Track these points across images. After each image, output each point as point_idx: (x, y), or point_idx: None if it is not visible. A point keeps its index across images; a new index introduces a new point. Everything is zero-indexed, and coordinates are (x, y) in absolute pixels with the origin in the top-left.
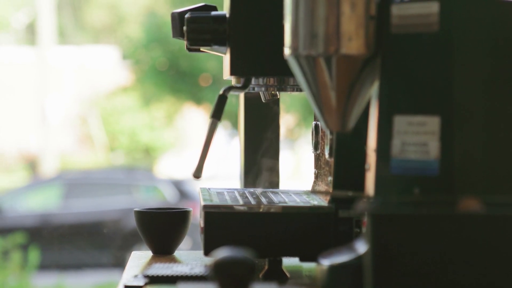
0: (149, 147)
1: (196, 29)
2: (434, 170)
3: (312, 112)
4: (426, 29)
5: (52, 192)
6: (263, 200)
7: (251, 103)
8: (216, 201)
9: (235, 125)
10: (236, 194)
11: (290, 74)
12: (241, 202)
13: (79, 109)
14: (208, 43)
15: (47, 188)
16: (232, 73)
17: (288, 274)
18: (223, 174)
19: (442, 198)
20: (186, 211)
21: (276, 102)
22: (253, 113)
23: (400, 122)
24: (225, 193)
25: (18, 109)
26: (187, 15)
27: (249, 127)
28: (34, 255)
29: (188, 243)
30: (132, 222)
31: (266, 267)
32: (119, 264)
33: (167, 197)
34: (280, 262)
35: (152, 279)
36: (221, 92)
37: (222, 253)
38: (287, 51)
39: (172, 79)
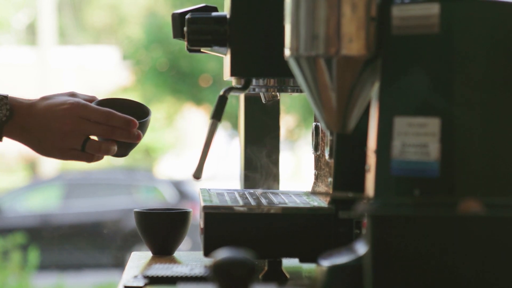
0: (149, 148)
1: (196, 30)
2: (435, 172)
3: (312, 113)
4: (427, 31)
5: (52, 193)
6: (263, 201)
7: (251, 104)
8: (216, 202)
9: (235, 126)
10: (236, 195)
11: (290, 75)
12: (241, 203)
13: None
14: (209, 44)
15: (47, 188)
16: (233, 74)
17: (288, 275)
18: (223, 174)
19: (442, 199)
20: (186, 211)
21: (276, 103)
22: (253, 114)
23: (401, 123)
24: (225, 194)
25: None
26: (187, 16)
27: (249, 128)
28: (34, 255)
29: (188, 243)
30: (132, 223)
31: (266, 268)
32: (119, 264)
33: (167, 198)
34: (280, 263)
35: (152, 280)
36: (221, 93)
37: (222, 254)
38: (287, 52)
39: (172, 80)
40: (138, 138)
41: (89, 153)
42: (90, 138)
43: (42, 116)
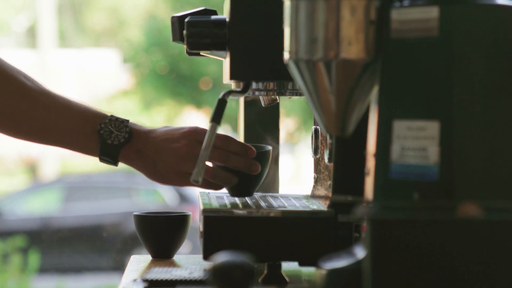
0: None
1: (196, 33)
2: (434, 175)
3: (312, 116)
4: (426, 34)
5: (52, 196)
6: (263, 204)
7: (251, 107)
8: (215, 205)
9: (235, 129)
10: (236, 198)
11: (289, 78)
12: (240, 206)
13: None
14: (208, 47)
15: (47, 191)
16: (232, 77)
17: (287, 279)
18: None
19: (441, 203)
20: (186, 215)
21: (276, 106)
22: (253, 117)
23: (400, 127)
24: (225, 197)
25: None
26: (187, 19)
27: (249, 131)
28: (34, 259)
29: (188, 246)
30: (132, 226)
31: (265, 271)
32: (119, 267)
33: (167, 201)
34: (279, 266)
35: (151, 283)
36: (220, 96)
37: (221, 257)
38: (286, 55)
39: (172, 83)
40: (255, 169)
41: (205, 180)
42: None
43: (159, 138)
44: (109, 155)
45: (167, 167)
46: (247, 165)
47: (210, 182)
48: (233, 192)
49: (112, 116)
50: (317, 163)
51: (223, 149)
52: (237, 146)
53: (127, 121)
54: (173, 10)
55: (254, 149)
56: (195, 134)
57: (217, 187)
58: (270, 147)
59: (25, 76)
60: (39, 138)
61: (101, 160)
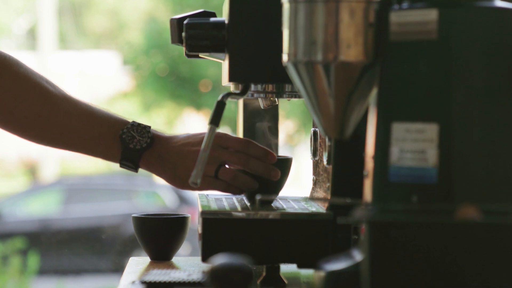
0: None
1: (194, 35)
2: (432, 178)
3: (312, 118)
4: (425, 37)
5: (52, 198)
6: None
7: (250, 109)
8: (214, 207)
9: (234, 131)
10: (234, 200)
11: (288, 81)
12: (239, 208)
13: None
14: (207, 49)
15: (47, 193)
16: (231, 79)
17: (286, 281)
18: None
19: (440, 206)
20: (184, 217)
21: (275, 108)
22: (252, 119)
23: (398, 129)
24: (223, 199)
25: None
26: (186, 21)
27: (248, 133)
28: (34, 260)
29: (188, 248)
30: (131, 228)
31: (264, 273)
32: (118, 269)
33: (167, 203)
34: (278, 268)
35: (150, 285)
36: (219, 98)
37: (220, 259)
38: (285, 57)
39: (172, 85)
40: (275, 175)
41: (225, 183)
42: (224, 166)
43: (180, 143)
44: (131, 160)
45: (187, 170)
46: (267, 170)
47: (230, 186)
48: (251, 199)
49: (134, 122)
50: (316, 165)
51: (244, 152)
52: (257, 150)
53: (149, 127)
54: (173, 13)
55: (274, 154)
56: (217, 139)
57: (237, 191)
58: (291, 157)
59: (47, 82)
60: (61, 143)
61: (122, 165)
